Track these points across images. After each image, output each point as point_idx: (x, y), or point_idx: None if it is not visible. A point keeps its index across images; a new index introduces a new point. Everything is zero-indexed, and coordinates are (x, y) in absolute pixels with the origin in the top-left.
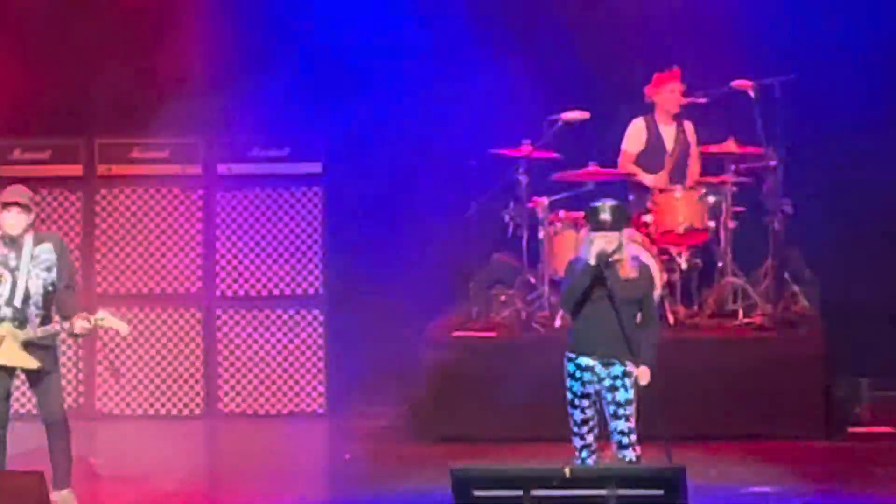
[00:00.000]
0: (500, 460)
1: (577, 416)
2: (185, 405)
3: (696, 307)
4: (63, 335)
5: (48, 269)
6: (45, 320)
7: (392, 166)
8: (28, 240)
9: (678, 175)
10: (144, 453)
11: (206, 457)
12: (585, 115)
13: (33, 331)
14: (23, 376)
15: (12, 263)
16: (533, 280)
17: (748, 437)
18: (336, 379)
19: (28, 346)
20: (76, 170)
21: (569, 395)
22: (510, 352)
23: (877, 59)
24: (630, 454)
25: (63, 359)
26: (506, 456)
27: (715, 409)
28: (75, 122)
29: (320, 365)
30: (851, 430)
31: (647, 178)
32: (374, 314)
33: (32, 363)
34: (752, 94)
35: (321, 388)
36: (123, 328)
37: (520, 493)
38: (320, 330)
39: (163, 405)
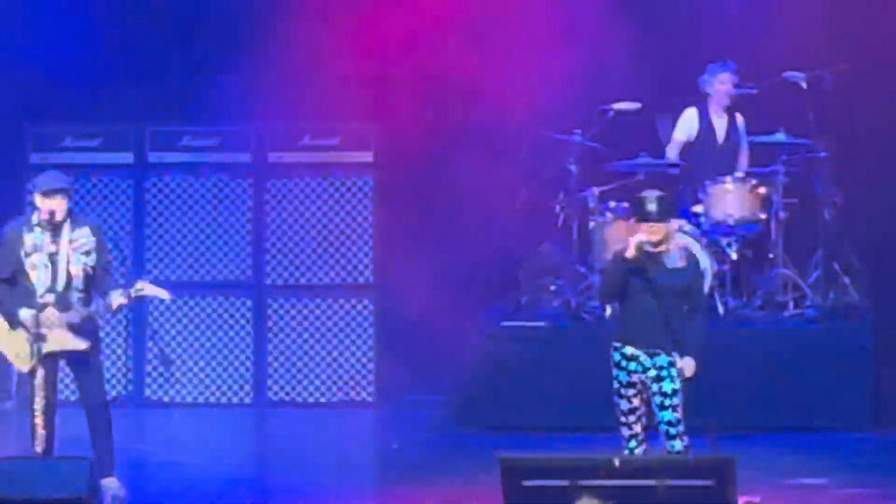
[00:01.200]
0: (548, 450)
1: (624, 405)
2: (235, 393)
3: (745, 298)
4: (112, 308)
5: (87, 253)
6: (87, 303)
7: (442, 155)
8: (66, 224)
9: (728, 166)
10: (193, 441)
11: (254, 445)
12: (637, 105)
13: (77, 314)
14: (62, 363)
15: (51, 249)
16: (583, 270)
17: (796, 429)
18: (385, 368)
19: (72, 329)
20: (127, 157)
21: (615, 385)
22: (559, 342)
23: None
24: (678, 444)
25: (113, 346)
26: (554, 445)
27: (764, 400)
28: (126, 109)
29: (370, 354)
30: None
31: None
32: (424, 303)
33: (81, 344)
34: (803, 84)
35: (370, 377)
36: (164, 294)
37: (568, 482)
38: (370, 319)
39: (212, 393)
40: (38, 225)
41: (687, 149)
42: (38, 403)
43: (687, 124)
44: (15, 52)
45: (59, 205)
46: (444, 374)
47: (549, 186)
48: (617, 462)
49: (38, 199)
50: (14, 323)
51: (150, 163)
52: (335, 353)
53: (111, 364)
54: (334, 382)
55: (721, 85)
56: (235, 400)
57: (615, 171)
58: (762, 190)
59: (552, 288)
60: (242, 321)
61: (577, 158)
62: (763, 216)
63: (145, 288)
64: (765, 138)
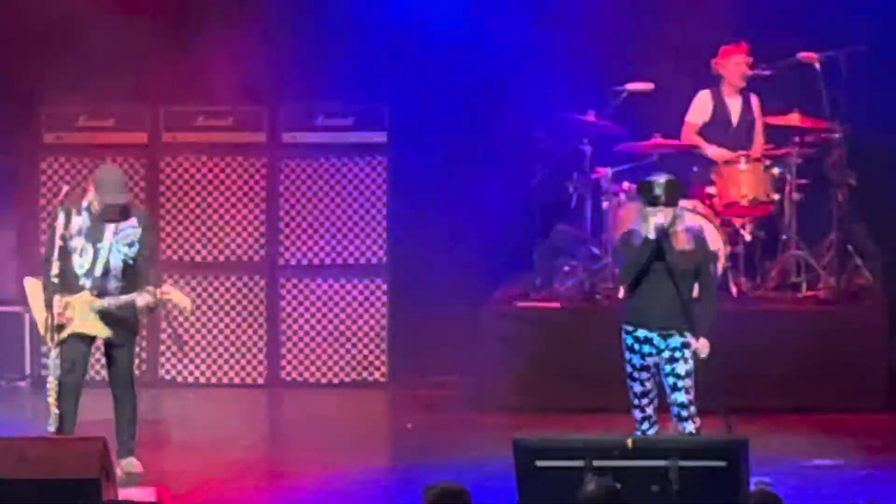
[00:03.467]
0: (562, 430)
1: (637, 388)
2: (248, 374)
3: (759, 279)
4: (141, 310)
5: (130, 245)
6: (125, 293)
7: (456, 136)
8: None
9: (742, 147)
10: (206, 421)
11: (268, 426)
12: (650, 86)
13: (110, 303)
14: (99, 342)
15: (97, 236)
16: (596, 251)
17: (810, 410)
18: (398, 348)
19: (104, 315)
20: (141, 137)
21: (628, 368)
22: (573, 322)
23: None
24: (690, 426)
25: None
26: (568, 426)
27: (777, 382)
28: (140, 89)
29: (383, 334)
30: None
31: (710, 150)
32: (438, 284)
33: (105, 332)
34: (817, 66)
35: (383, 358)
36: (188, 305)
37: (582, 463)
38: (383, 299)
39: (225, 373)
40: (88, 210)
41: (701, 130)
42: (52, 383)
43: (700, 107)
44: (29, 31)
45: (111, 210)
46: (458, 355)
47: (563, 167)
48: (630, 443)
49: (94, 194)
50: (48, 305)
51: (164, 143)
52: (348, 334)
53: None
54: (347, 363)
55: (734, 67)
56: (249, 380)
57: (629, 151)
58: (776, 171)
59: (566, 268)
60: (256, 301)
61: (591, 139)
62: (776, 197)
63: (171, 293)
64: (778, 119)
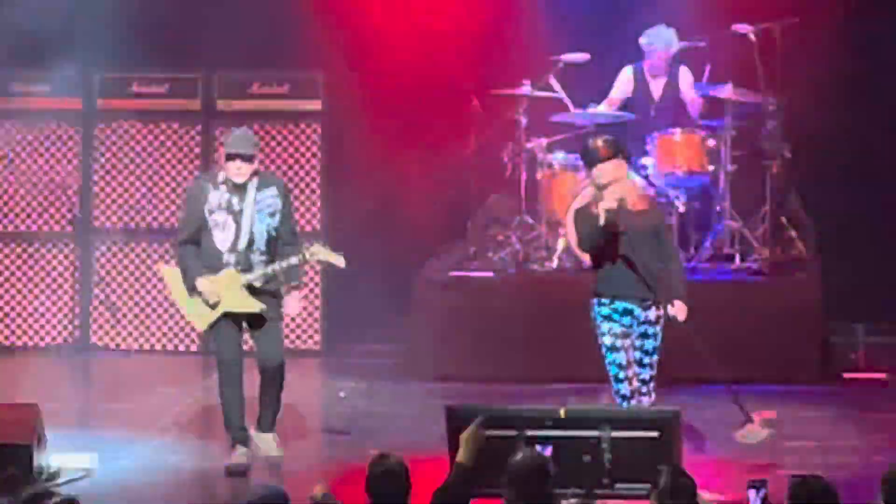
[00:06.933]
0: (495, 400)
1: (621, 358)
2: (181, 340)
3: (693, 250)
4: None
5: (272, 215)
6: (268, 265)
7: (391, 105)
8: (252, 184)
9: (666, 123)
10: (139, 388)
11: (201, 392)
12: (586, 56)
13: (257, 276)
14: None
15: (236, 207)
16: (530, 221)
17: (743, 381)
18: (332, 316)
19: (252, 291)
20: (75, 103)
21: (608, 340)
22: (507, 292)
23: (879, 2)
24: (646, 401)
25: (59, 292)
26: (501, 395)
27: (711, 353)
28: (76, 55)
29: (317, 302)
30: (846, 375)
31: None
32: (372, 252)
33: (256, 306)
34: (752, 37)
35: (317, 326)
36: (340, 262)
37: (514, 432)
38: (317, 267)
39: (158, 340)
40: (224, 182)
41: (625, 105)
42: None
43: (620, 84)
44: None
45: (237, 168)
46: (391, 324)
47: (498, 137)
48: (563, 413)
49: (224, 158)
50: (192, 290)
51: (99, 109)
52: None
53: (57, 310)
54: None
55: (652, 57)
56: (182, 347)
57: (564, 122)
58: (710, 142)
59: (500, 238)
60: None
61: (525, 109)
62: (711, 168)
63: (319, 252)
64: (713, 91)
